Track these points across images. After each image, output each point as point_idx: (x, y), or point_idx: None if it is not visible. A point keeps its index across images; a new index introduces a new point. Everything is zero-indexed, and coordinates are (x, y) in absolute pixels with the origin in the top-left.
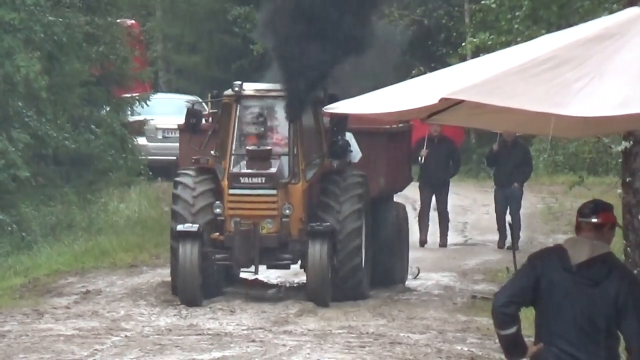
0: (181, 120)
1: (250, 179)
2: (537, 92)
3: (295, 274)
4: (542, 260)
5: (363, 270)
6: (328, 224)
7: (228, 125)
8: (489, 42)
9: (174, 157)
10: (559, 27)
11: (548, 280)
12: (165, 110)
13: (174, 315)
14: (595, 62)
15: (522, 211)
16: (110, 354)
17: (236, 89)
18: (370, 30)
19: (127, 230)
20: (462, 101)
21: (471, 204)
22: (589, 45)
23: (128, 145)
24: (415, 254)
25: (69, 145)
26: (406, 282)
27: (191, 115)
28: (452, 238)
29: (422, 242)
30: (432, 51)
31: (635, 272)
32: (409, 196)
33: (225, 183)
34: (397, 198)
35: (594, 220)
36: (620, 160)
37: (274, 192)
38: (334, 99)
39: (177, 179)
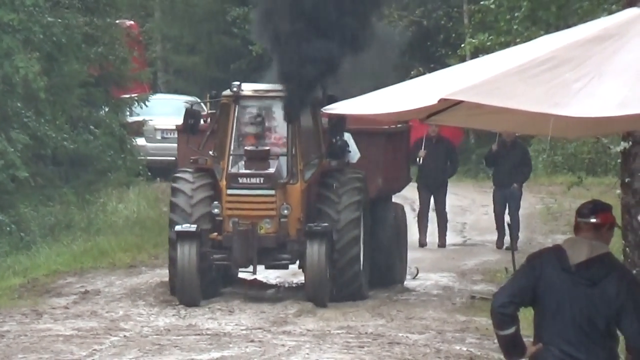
0: (180, 120)
1: (248, 179)
2: (536, 93)
3: (294, 274)
4: (541, 261)
5: (361, 270)
6: (326, 224)
7: (226, 125)
8: (488, 43)
9: (173, 158)
10: (558, 28)
11: (547, 280)
12: (164, 111)
13: (173, 315)
14: (595, 63)
15: (521, 211)
16: (109, 354)
17: (234, 89)
18: (369, 30)
19: (126, 230)
20: (461, 102)
21: (470, 204)
22: (588, 46)
23: (127, 145)
24: (414, 254)
25: (67, 146)
26: (405, 283)
27: (189, 115)
28: (451, 238)
29: (422, 244)
30: (431, 52)
31: (634, 272)
32: (408, 197)
33: (223, 183)
34: (396, 198)
35: (593, 220)
36: (619, 160)
37: (272, 192)
38: (332, 99)
39: (175, 179)
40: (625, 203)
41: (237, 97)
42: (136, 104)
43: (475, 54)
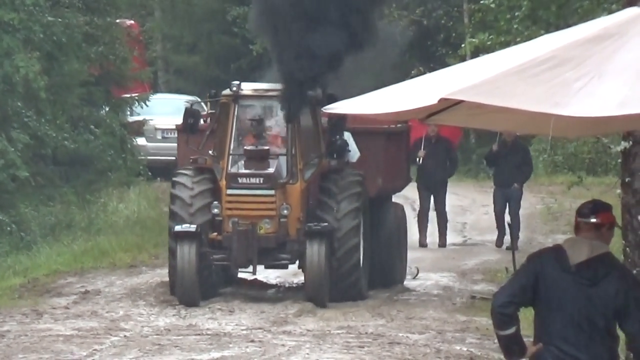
0: (180, 120)
1: (248, 179)
2: (537, 92)
3: (294, 274)
4: (541, 261)
5: (361, 269)
6: (326, 224)
7: (226, 125)
8: (488, 43)
9: (173, 158)
10: (558, 28)
11: (547, 280)
12: (165, 111)
13: (173, 315)
14: (595, 62)
15: (521, 211)
16: (110, 354)
17: (234, 88)
18: (370, 28)
19: (126, 230)
20: (461, 101)
21: (470, 204)
22: (588, 46)
23: (127, 145)
24: (414, 254)
25: (68, 146)
26: (405, 282)
27: (189, 115)
28: (451, 238)
29: (422, 244)
30: (431, 51)
31: (635, 272)
32: (409, 196)
33: (223, 183)
34: (396, 198)
35: (593, 220)
36: (619, 160)
37: (272, 192)
38: (332, 98)
39: (175, 178)
40: (626, 203)
41: (237, 97)
42: (136, 103)
43: (475, 54)
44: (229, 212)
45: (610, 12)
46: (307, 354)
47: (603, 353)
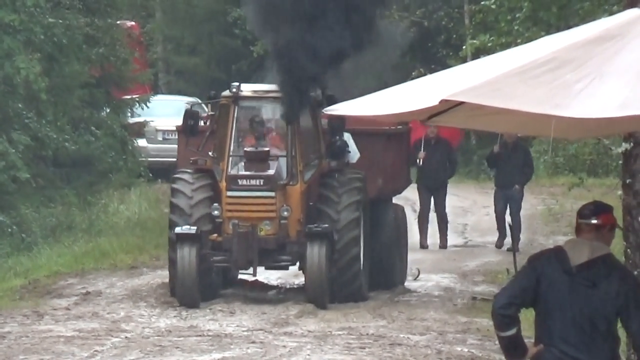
0: (180, 121)
1: (248, 181)
2: (537, 94)
3: (295, 275)
4: (541, 262)
5: (361, 271)
6: (326, 225)
7: (226, 126)
8: (489, 44)
9: (174, 159)
10: (559, 29)
11: (548, 281)
12: (165, 112)
13: (174, 316)
14: (596, 64)
15: (522, 212)
16: (110, 355)
17: (234, 90)
18: (370, 29)
19: (127, 231)
20: (462, 103)
21: (471, 205)
22: (589, 47)
23: (128, 146)
24: (415, 256)
25: (69, 147)
26: (406, 284)
27: (189, 116)
28: (452, 239)
29: (423, 246)
30: (432, 53)
31: (636, 273)
32: (409, 198)
33: (223, 185)
34: (397, 199)
35: (594, 221)
36: (620, 161)
37: (272, 194)
38: (332, 100)
39: (175, 179)
40: (627, 204)
41: (237, 98)
42: (137, 105)
43: (476, 55)
44: (229, 214)
45: (611, 13)
46: (308, 355)
47: (604, 354)
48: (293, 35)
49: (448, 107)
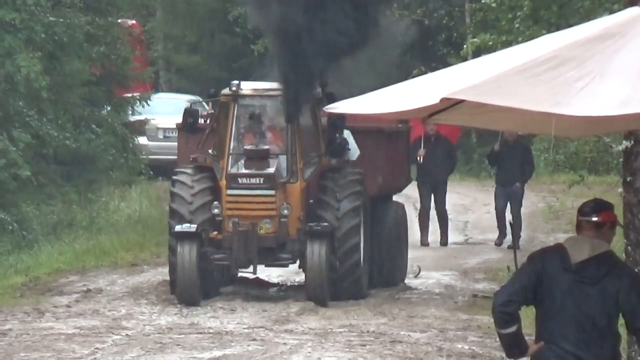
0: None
1: (248, 179)
2: (538, 92)
3: (296, 273)
4: (542, 259)
5: (361, 268)
6: (327, 224)
7: (226, 124)
8: (490, 43)
9: (175, 157)
10: (559, 27)
11: (548, 279)
12: (166, 110)
13: (175, 314)
14: (596, 62)
15: (523, 210)
16: (111, 353)
17: (234, 88)
18: (370, 28)
19: (128, 229)
20: (463, 101)
21: (472, 203)
22: (590, 45)
23: (129, 144)
24: (416, 253)
25: (69, 145)
26: (407, 281)
27: (189, 114)
28: (453, 237)
29: (424, 244)
30: (432, 51)
31: (636, 270)
32: (411, 195)
33: (223, 183)
34: (397, 197)
35: (595, 219)
36: (621, 159)
37: (272, 192)
38: (332, 97)
39: (175, 177)
40: (627, 202)
41: (237, 96)
42: (138, 103)
43: (477, 54)
44: (229, 212)
45: (612, 12)
46: (309, 352)
47: (604, 352)
48: (293, 32)
49: (449, 105)
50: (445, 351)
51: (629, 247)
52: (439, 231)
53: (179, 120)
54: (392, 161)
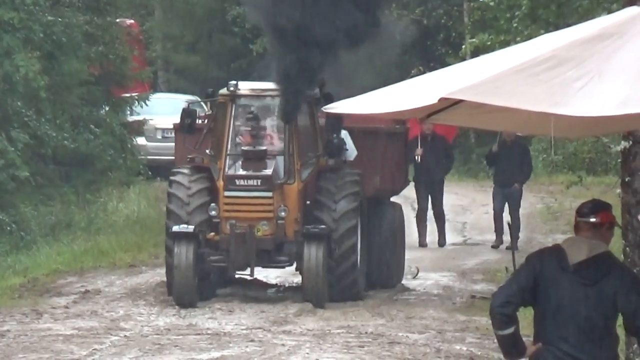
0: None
1: (246, 181)
2: (537, 92)
3: (294, 274)
4: (540, 260)
5: (358, 270)
6: (324, 226)
7: (223, 124)
8: (488, 43)
9: (173, 157)
10: (558, 27)
11: (546, 280)
12: (165, 110)
13: (173, 315)
14: (595, 62)
15: (521, 211)
16: (110, 354)
17: (231, 88)
18: (369, 28)
19: (126, 230)
20: (461, 101)
21: (470, 203)
22: (588, 45)
23: (127, 145)
24: (414, 254)
25: (68, 145)
26: (405, 282)
27: (186, 115)
28: (451, 238)
29: (422, 245)
30: (431, 51)
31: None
32: (409, 196)
33: (220, 184)
34: (395, 198)
35: (593, 219)
36: (619, 160)
37: (269, 194)
38: (329, 98)
39: (172, 177)
40: (626, 202)
41: (234, 96)
42: (136, 103)
43: (475, 54)
44: (226, 214)
45: (610, 11)
46: (307, 353)
47: (602, 353)
48: (291, 32)
49: (447, 105)
50: (443, 352)
51: (627, 248)
52: (436, 231)
53: (178, 120)
54: (390, 162)
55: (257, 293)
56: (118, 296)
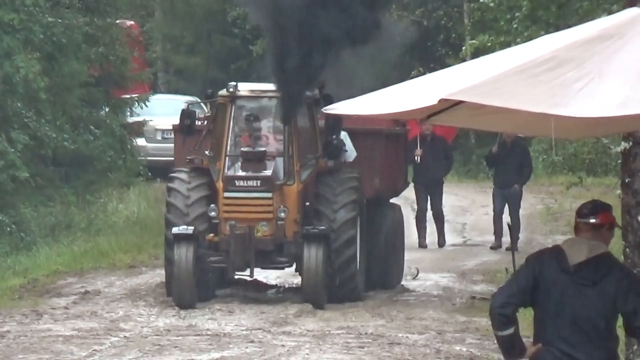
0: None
1: (245, 182)
2: (537, 93)
3: (294, 275)
4: (540, 261)
5: (358, 271)
6: (323, 227)
7: (223, 125)
8: (489, 44)
9: (173, 158)
10: (558, 28)
11: (546, 281)
12: (165, 111)
13: (173, 315)
14: (595, 63)
15: (521, 212)
16: (109, 355)
17: (231, 89)
18: (369, 29)
19: (126, 230)
20: (461, 102)
21: (470, 204)
22: (589, 46)
23: (127, 146)
24: (414, 255)
25: (68, 146)
26: (405, 283)
27: (185, 116)
28: (451, 239)
29: (422, 246)
30: (431, 52)
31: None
32: (409, 197)
33: (220, 185)
34: (395, 199)
35: (592, 220)
36: (619, 161)
37: (269, 195)
38: (329, 99)
39: (171, 179)
40: (626, 203)
41: (234, 97)
42: (136, 104)
43: (475, 55)
44: (226, 215)
45: (611, 12)
46: (307, 354)
47: (602, 354)
48: (291, 32)
49: (447, 106)
50: (443, 353)
51: (627, 249)
52: (435, 232)
53: (177, 121)
54: (390, 163)
55: (257, 294)
56: (118, 297)
